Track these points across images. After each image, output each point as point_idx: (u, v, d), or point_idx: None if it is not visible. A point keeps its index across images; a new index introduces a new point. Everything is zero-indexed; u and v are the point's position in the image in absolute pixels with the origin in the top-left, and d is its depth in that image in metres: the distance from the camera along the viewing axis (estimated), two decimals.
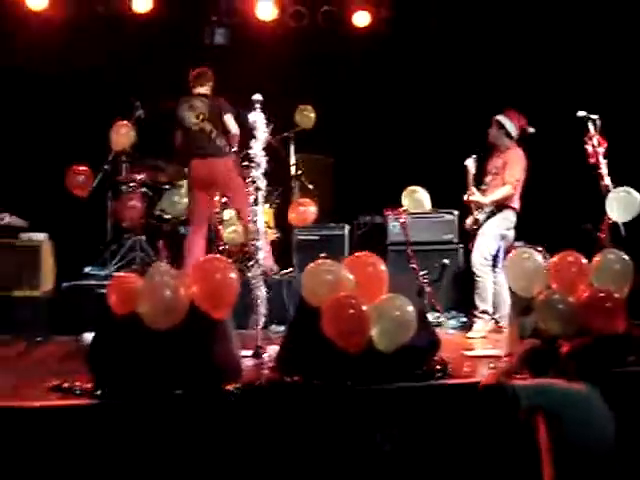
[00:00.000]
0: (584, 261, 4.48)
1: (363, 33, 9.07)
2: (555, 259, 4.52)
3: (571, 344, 3.53)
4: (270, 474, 3.65)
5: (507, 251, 6.17)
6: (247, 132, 5.32)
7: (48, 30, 8.25)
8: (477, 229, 6.48)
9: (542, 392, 3.27)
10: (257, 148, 5.07)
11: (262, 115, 5.15)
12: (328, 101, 8.53)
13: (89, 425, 3.61)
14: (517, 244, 6.70)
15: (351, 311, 3.73)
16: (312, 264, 4.12)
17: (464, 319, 6.77)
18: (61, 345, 5.90)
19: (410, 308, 3.87)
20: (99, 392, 3.74)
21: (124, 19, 8.57)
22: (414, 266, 6.85)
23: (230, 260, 6.86)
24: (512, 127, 6.40)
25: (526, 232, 6.70)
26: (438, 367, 4.13)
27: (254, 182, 5.07)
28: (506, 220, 6.46)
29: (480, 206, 6.42)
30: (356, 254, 4.29)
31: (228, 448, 3.63)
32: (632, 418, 3.77)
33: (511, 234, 6.54)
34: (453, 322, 6.74)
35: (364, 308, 3.77)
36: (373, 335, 3.80)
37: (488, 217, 6.42)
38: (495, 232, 6.40)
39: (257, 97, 5.18)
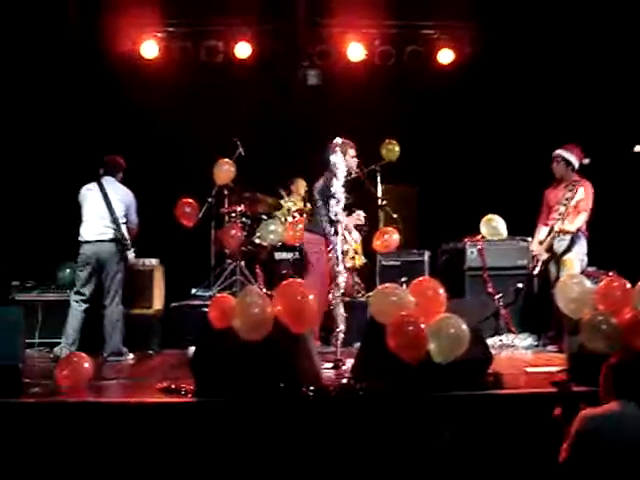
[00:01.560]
0: (628, 286, 4.91)
1: (447, 70, 9.52)
2: (602, 284, 4.97)
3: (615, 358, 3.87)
4: (331, 468, 4.23)
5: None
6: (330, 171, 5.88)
7: (159, 76, 9.18)
8: (551, 255, 6.87)
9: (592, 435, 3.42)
10: (337, 186, 5.70)
11: (342, 156, 5.76)
12: (413, 135, 8.97)
13: (192, 419, 4.34)
14: (590, 269, 7.12)
15: (410, 328, 4.33)
16: (380, 287, 4.76)
17: (536, 340, 7.05)
18: (170, 357, 6.66)
19: (464, 327, 4.43)
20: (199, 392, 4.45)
21: (226, 65, 9.38)
22: (490, 290, 7.33)
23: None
24: (574, 159, 6.83)
25: (597, 258, 7.10)
26: (491, 379, 4.66)
27: (335, 215, 5.71)
28: (583, 247, 6.86)
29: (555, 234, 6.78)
30: (419, 279, 4.88)
31: (304, 442, 4.25)
32: None
33: (586, 260, 6.93)
34: (526, 342, 7.01)
35: (422, 326, 4.37)
36: (430, 349, 4.38)
37: (568, 245, 6.78)
38: (579, 257, 6.79)
39: (338, 141, 5.79)
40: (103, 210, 6.61)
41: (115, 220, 6.58)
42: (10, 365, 4.54)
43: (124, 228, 6.69)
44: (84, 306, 6.55)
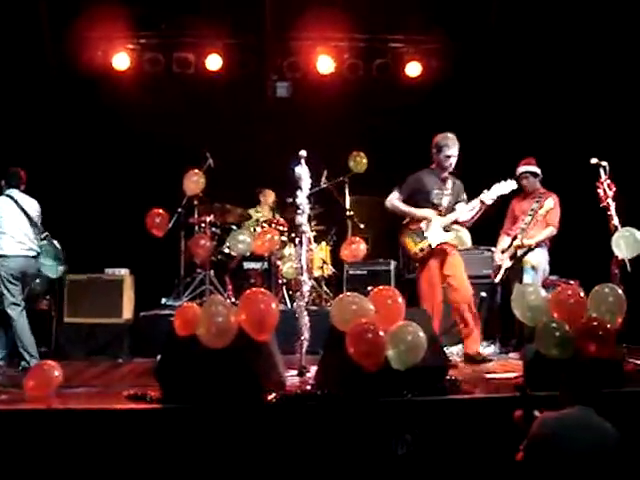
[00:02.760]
0: (582, 294, 5.09)
1: (415, 83, 9.76)
2: (555, 292, 5.15)
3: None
4: (297, 472, 4.37)
5: (543, 284, 6.81)
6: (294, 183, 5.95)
7: (130, 87, 9.29)
8: (513, 264, 7.05)
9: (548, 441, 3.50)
10: (302, 197, 5.84)
11: (306, 169, 5.89)
12: (381, 147, 9.16)
13: (157, 425, 4.45)
14: (552, 278, 7.33)
15: (369, 335, 4.47)
16: (340, 296, 4.91)
17: (499, 348, 7.21)
18: (139, 365, 6.73)
19: (421, 334, 4.58)
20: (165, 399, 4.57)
21: (196, 77, 9.53)
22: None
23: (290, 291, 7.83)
24: (538, 170, 7.07)
25: (560, 267, 7.31)
26: (449, 384, 4.82)
27: (300, 226, 5.85)
28: (545, 256, 7.05)
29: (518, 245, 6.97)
30: (379, 288, 5.02)
31: (265, 447, 4.38)
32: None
33: (547, 269, 7.13)
34: (489, 350, 7.12)
35: (381, 333, 4.51)
36: (388, 356, 4.52)
37: (525, 253, 6.98)
38: (542, 266, 6.99)
39: (302, 153, 5.90)
40: (25, 225, 6.60)
41: (42, 235, 6.67)
42: None
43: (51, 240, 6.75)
44: (24, 312, 6.55)
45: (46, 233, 6.74)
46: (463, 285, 6.47)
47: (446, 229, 6.48)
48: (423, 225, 6.47)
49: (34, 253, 6.64)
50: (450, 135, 6.56)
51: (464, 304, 6.42)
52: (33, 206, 6.74)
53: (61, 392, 4.99)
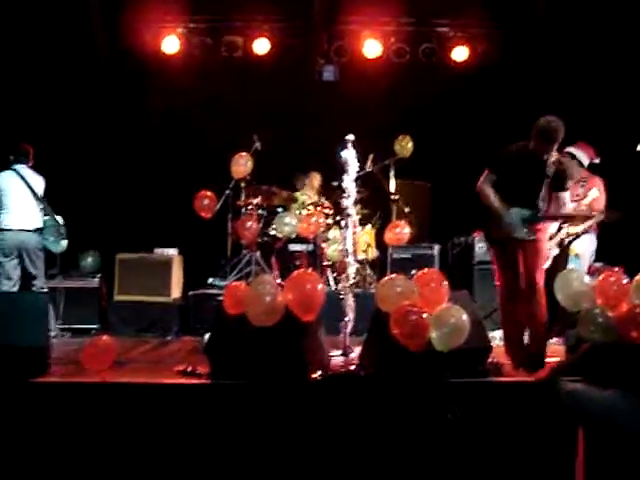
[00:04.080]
0: (625, 281, 5.12)
1: (461, 67, 9.75)
2: (599, 279, 5.18)
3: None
4: (338, 449, 4.48)
5: (588, 271, 6.82)
6: (341, 167, 6.08)
7: (180, 70, 9.46)
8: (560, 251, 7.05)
9: (578, 396, 3.69)
10: (348, 181, 5.93)
11: (353, 152, 5.98)
12: (426, 131, 9.12)
13: (206, 399, 4.61)
14: (597, 265, 7.31)
15: (413, 317, 4.57)
16: (384, 278, 5.01)
17: None
18: (187, 343, 6.93)
19: (464, 317, 4.66)
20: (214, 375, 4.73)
21: (245, 60, 9.65)
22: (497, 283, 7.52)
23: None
24: (583, 157, 7.02)
25: (606, 254, 7.28)
26: (491, 367, 4.90)
27: (345, 210, 5.95)
28: (593, 242, 7.04)
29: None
30: (423, 271, 5.10)
31: (310, 424, 4.51)
32: None
33: (594, 256, 7.12)
34: None
35: (424, 315, 4.61)
36: (432, 338, 4.62)
37: (572, 241, 6.97)
38: (589, 252, 6.98)
39: (350, 137, 5.99)
40: (29, 199, 6.75)
41: (46, 210, 6.79)
42: (37, 347, 4.82)
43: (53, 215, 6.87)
44: (16, 288, 6.67)
45: (49, 208, 6.85)
46: None
47: None
48: None
49: (35, 227, 6.75)
50: None
51: None
52: (39, 182, 6.90)
53: (114, 367, 5.18)
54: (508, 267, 5.50)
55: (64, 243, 7.03)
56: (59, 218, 6.99)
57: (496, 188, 5.51)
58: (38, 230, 6.79)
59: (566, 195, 5.60)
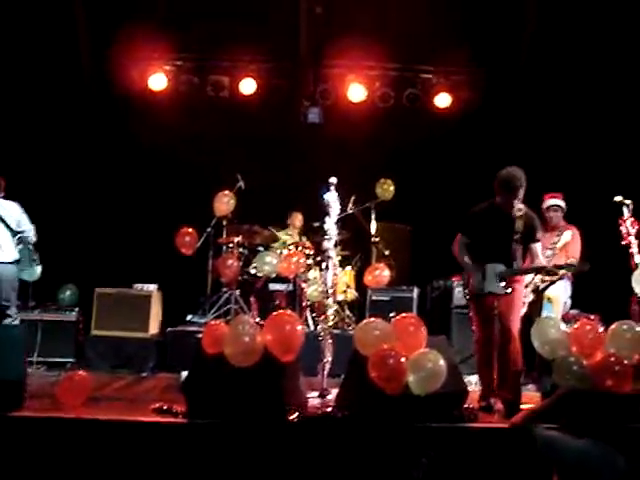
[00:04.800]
0: (600, 329, 5.19)
1: (444, 113, 9.90)
2: (575, 327, 5.25)
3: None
4: None
5: (564, 318, 6.89)
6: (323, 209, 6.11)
7: (166, 108, 9.52)
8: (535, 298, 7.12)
9: (551, 443, 3.73)
10: (330, 223, 5.99)
11: (336, 195, 6.05)
12: (408, 175, 9.26)
13: (182, 438, 4.59)
14: (573, 312, 7.39)
15: (390, 361, 4.60)
16: (363, 321, 5.06)
17: None
18: (164, 379, 6.85)
19: (441, 362, 4.70)
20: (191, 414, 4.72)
21: (231, 99, 9.74)
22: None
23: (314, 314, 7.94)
24: (565, 206, 7.14)
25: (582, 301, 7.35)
26: (466, 413, 4.93)
27: (326, 251, 6.00)
28: (567, 289, 7.13)
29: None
30: (402, 315, 5.15)
31: (285, 465, 4.51)
32: None
33: (569, 302, 7.20)
34: None
35: (402, 359, 4.64)
36: (409, 382, 4.64)
37: (547, 287, 7.02)
38: (563, 299, 7.06)
39: (333, 180, 6.05)
40: (2, 231, 6.59)
41: (21, 239, 6.64)
42: (13, 380, 4.78)
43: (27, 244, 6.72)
44: None
45: (19, 236, 6.67)
46: None
47: None
48: None
49: (12, 259, 6.62)
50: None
51: None
52: (10, 210, 6.71)
53: (89, 402, 5.15)
54: (485, 319, 5.61)
55: (38, 270, 6.85)
56: (30, 245, 6.76)
57: (469, 248, 5.71)
58: (15, 262, 6.67)
59: (538, 246, 5.71)
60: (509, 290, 5.51)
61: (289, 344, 4.77)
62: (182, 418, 4.75)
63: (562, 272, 6.84)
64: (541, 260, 5.74)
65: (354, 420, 4.68)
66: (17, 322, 6.59)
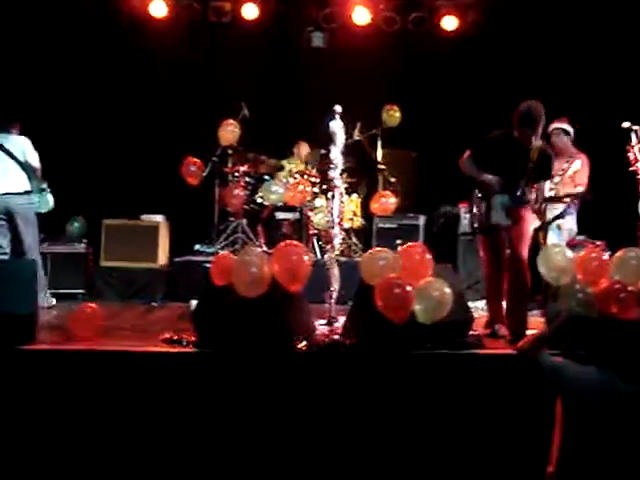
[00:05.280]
0: (606, 256, 5.21)
1: (450, 36, 9.71)
2: (580, 254, 5.27)
3: None
4: (320, 416, 4.61)
5: (570, 244, 6.90)
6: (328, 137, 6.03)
7: (167, 35, 9.37)
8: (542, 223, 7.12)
9: (557, 370, 3.69)
10: (335, 152, 5.96)
11: (341, 124, 5.99)
12: (414, 100, 9.16)
13: (192, 368, 4.68)
14: (579, 238, 7.40)
15: (396, 290, 4.65)
16: (369, 251, 5.08)
17: None
18: (173, 309, 6.95)
19: (447, 290, 4.74)
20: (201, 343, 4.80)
21: (233, 26, 9.57)
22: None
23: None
24: (571, 129, 7.06)
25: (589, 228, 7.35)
26: (472, 340, 5.00)
27: (332, 180, 5.99)
28: (573, 216, 7.10)
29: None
30: (407, 244, 5.18)
31: (293, 393, 4.61)
32: None
33: (575, 228, 7.21)
34: None
35: (408, 288, 4.68)
36: (415, 310, 4.70)
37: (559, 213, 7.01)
38: (569, 226, 7.05)
39: (337, 108, 5.97)
40: (10, 164, 6.61)
41: (27, 170, 6.66)
42: (25, 314, 4.85)
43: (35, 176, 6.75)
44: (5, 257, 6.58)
45: (31, 168, 6.71)
46: None
47: None
48: None
49: (23, 190, 6.65)
50: None
51: None
52: (18, 145, 6.72)
53: (101, 334, 5.23)
54: (495, 253, 5.61)
55: (50, 199, 6.88)
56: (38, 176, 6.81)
57: None
58: (26, 193, 6.70)
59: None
60: (515, 222, 5.47)
61: (296, 274, 4.81)
62: (191, 347, 4.82)
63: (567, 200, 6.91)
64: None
65: (360, 348, 4.74)
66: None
